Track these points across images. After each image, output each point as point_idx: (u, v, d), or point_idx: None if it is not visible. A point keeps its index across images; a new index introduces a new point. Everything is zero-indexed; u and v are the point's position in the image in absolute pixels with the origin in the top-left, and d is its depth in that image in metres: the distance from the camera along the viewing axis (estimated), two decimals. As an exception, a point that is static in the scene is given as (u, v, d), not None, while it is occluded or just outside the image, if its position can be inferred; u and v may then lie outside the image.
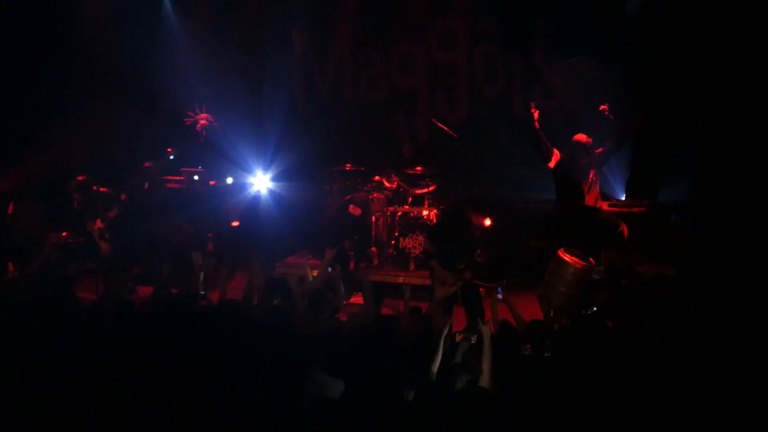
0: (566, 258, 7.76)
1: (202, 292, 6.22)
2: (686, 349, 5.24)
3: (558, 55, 10.54)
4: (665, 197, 9.79)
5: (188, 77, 11.47)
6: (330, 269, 6.49)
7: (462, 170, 10.47)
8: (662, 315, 6.22)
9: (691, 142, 9.57)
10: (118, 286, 6.27)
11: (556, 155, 8.42)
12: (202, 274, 6.42)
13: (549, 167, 8.59)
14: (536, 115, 8.32)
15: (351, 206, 9.12)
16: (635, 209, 9.51)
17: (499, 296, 6.47)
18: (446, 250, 7.80)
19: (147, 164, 9.94)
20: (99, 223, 8.83)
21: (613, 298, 7.22)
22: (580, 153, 8.35)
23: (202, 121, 11.05)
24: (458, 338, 5.25)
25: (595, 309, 6.40)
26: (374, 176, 10.34)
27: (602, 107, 8.47)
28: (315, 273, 6.83)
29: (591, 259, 7.87)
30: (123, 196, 9.51)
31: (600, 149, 8.45)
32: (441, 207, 9.80)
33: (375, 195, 9.98)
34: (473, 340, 5.04)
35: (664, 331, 5.70)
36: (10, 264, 7.32)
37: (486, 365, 4.78)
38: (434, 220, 9.92)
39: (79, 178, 9.00)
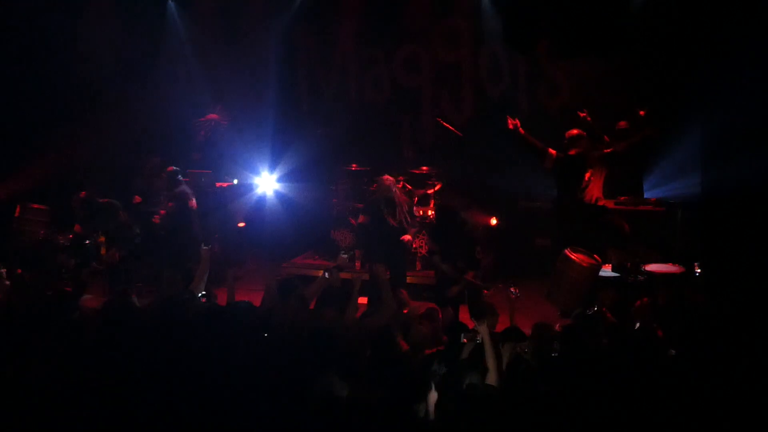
0: (573, 257, 7.75)
1: (205, 292, 6.19)
2: (694, 347, 5.24)
3: (562, 54, 10.51)
4: (672, 194, 9.76)
5: (193, 80, 11.48)
6: (327, 275, 6.36)
7: (467, 169, 10.47)
8: (669, 313, 6.22)
9: (696, 139, 9.54)
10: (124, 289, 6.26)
11: (552, 154, 8.41)
12: (206, 272, 6.39)
13: (547, 168, 8.57)
14: (518, 123, 8.31)
15: (360, 218, 8.76)
16: (642, 207, 9.50)
17: (513, 292, 6.45)
18: (446, 249, 7.81)
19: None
20: (101, 237, 8.84)
21: (621, 297, 7.22)
22: (569, 145, 8.40)
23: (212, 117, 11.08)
24: (463, 338, 5.26)
25: (596, 309, 6.38)
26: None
27: (581, 114, 8.48)
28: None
29: (597, 257, 7.86)
30: (170, 204, 9.52)
31: (608, 149, 8.43)
32: (435, 206, 9.72)
33: (375, 186, 9.03)
34: (478, 339, 5.04)
35: (671, 329, 5.70)
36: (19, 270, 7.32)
37: (491, 363, 4.78)
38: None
39: (81, 194, 9.02)
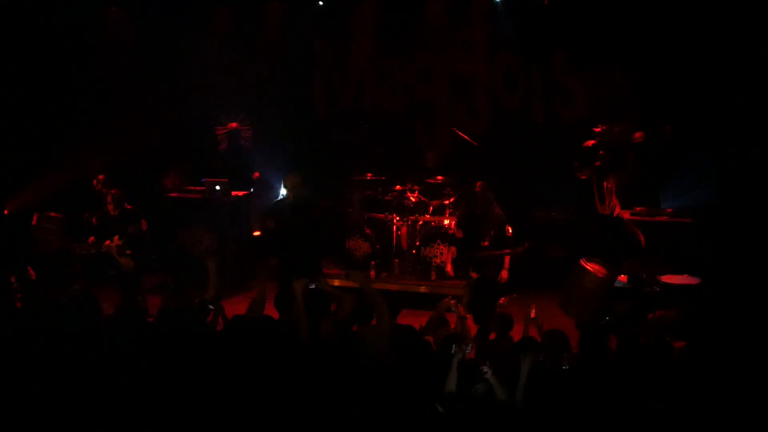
0: (588, 267, 7.71)
1: (211, 307, 6.14)
2: (708, 358, 5.19)
3: (579, 65, 10.47)
4: (688, 204, 9.69)
5: (210, 89, 11.54)
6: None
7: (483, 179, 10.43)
8: (684, 324, 6.16)
9: (713, 149, 9.48)
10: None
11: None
12: (216, 279, 6.38)
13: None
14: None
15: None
16: (658, 218, 9.43)
17: (532, 314, 6.43)
18: (471, 228, 8.24)
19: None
20: (117, 240, 8.79)
21: (635, 308, 7.16)
22: (592, 157, 8.40)
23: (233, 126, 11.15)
24: (454, 349, 5.23)
25: (610, 320, 6.34)
26: (396, 186, 10.33)
27: (596, 129, 8.44)
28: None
29: (612, 268, 7.81)
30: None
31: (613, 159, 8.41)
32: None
33: None
34: (468, 350, 5.03)
35: (685, 341, 5.65)
36: (29, 268, 7.33)
37: (492, 379, 4.72)
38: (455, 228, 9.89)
39: (113, 191, 9.02)
